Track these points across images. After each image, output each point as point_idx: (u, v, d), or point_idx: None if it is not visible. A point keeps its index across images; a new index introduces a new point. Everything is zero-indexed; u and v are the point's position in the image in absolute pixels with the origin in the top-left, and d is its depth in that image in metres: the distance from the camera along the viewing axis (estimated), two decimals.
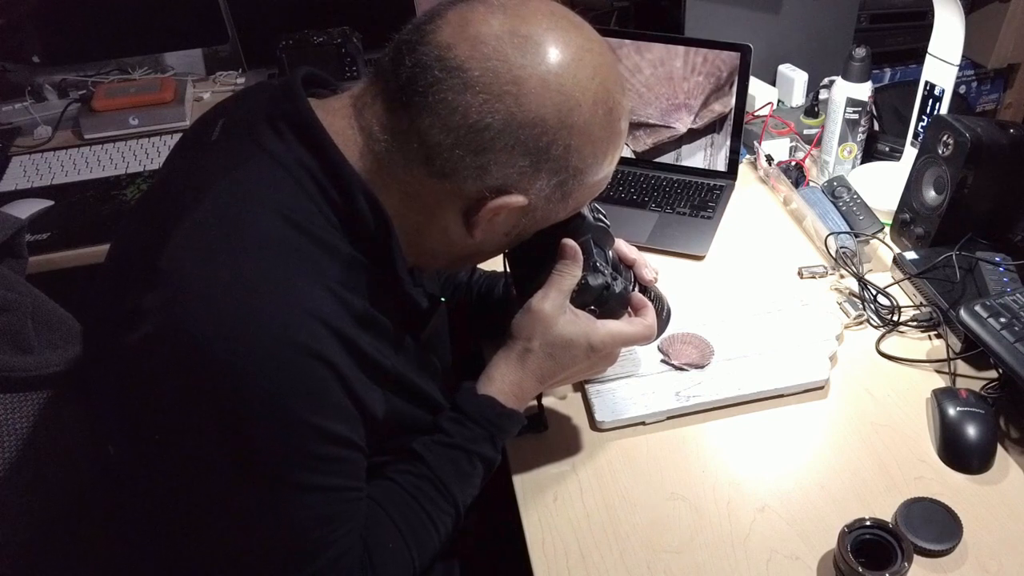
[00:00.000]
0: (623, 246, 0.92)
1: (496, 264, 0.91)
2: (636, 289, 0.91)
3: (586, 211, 0.84)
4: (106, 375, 0.74)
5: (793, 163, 1.43)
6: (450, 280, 1.08)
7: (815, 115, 1.49)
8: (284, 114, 0.71)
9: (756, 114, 1.55)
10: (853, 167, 1.39)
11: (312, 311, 0.65)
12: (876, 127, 1.50)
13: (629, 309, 0.88)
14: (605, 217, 0.87)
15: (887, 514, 0.85)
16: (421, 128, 0.68)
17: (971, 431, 0.91)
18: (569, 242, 0.82)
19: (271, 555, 0.70)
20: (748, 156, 1.47)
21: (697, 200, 1.36)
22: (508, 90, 0.67)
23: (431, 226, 0.75)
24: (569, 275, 0.82)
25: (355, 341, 0.69)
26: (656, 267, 0.94)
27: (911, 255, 1.16)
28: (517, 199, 0.72)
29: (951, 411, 0.93)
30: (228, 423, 0.65)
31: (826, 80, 1.57)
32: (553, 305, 0.81)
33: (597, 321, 0.84)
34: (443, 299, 0.87)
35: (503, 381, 0.83)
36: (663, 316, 0.95)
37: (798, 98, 1.59)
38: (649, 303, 0.89)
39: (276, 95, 0.73)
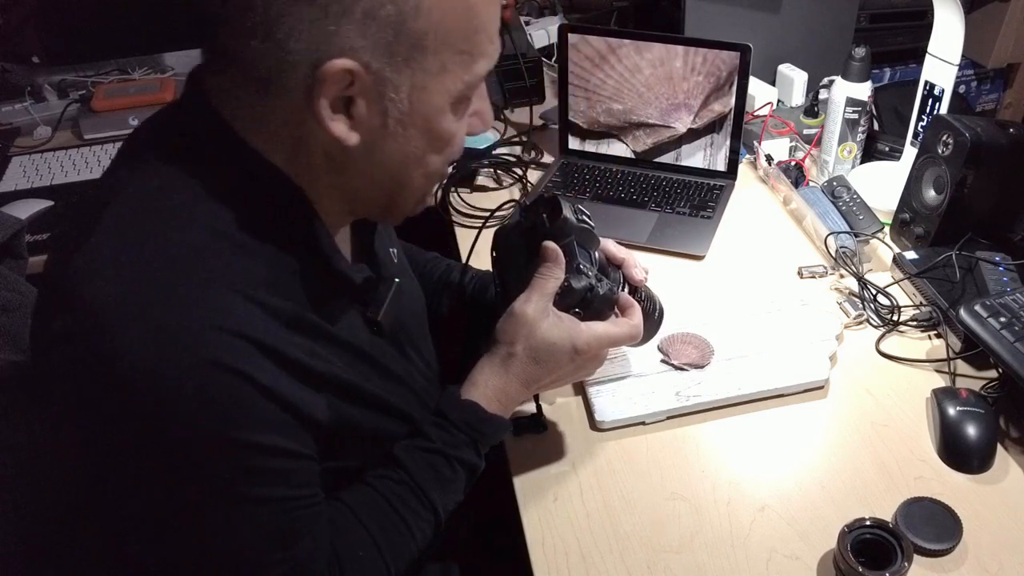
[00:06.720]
0: (611, 246, 0.92)
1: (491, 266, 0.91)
2: (626, 289, 0.90)
3: (569, 213, 0.83)
4: (42, 389, 0.73)
5: (793, 163, 1.43)
6: (442, 280, 1.07)
7: (815, 115, 1.48)
8: (179, 109, 0.69)
9: (756, 114, 1.55)
10: (853, 167, 1.39)
11: (224, 325, 0.62)
12: (876, 127, 1.50)
13: (616, 310, 0.87)
14: (589, 219, 0.86)
15: (887, 514, 0.85)
16: (229, 51, 0.62)
17: (971, 431, 0.91)
18: (550, 244, 0.81)
19: (230, 567, 0.68)
20: (748, 156, 1.47)
21: (697, 200, 1.36)
22: None
23: (322, 164, 0.68)
24: (551, 278, 0.81)
25: (278, 348, 0.65)
26: (647, 266, 0.93)
27: (911, 255, 1.16)
28: (340, 63, 0.61)
29: (951, 411, 0.93)
30: (154, 445, 0.63)
31: (826, 80, 1.57)
32: (536, 308, 0.81)
33: (581, 323, 0.83)
34: (397, 279, 0.82)
35: (487, 386, 0.82)
36: (655, 316, 0.95)
37: (798, 98, 1.59)
38: (635, 303, 0.88)
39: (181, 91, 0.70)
